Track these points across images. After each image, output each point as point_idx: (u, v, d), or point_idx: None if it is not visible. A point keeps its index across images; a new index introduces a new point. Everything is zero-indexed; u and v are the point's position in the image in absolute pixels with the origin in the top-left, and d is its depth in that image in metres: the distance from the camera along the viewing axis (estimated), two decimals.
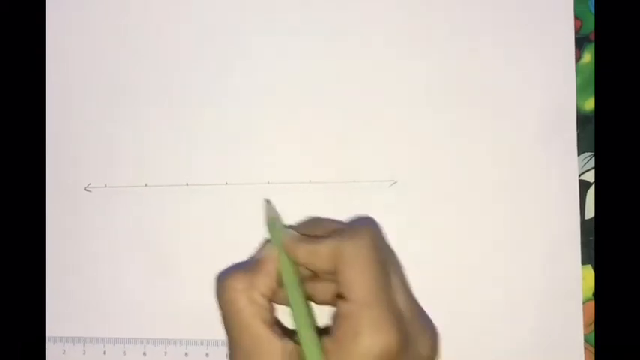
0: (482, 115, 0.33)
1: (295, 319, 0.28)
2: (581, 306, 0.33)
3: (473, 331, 0.33)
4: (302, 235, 0.30)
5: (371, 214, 0.33)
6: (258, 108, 0.34)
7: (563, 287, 0.33)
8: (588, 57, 0.33)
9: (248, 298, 0.28)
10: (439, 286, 0.33)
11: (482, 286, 0.33)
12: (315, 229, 0.30)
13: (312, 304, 0.30)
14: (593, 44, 0.33)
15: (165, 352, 0.34)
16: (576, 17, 0.33)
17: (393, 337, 0.26)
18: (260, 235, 0.33)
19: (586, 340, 0.33)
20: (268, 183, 0.34)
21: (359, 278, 0.27)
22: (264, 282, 0.28)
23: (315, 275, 0.30)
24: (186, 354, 0.34)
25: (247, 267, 0.29)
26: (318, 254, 0.28)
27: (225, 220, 0.34)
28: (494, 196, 0.33)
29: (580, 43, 0.33)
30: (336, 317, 0.27)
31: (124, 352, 0.34)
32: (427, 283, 0.33)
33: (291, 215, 0.33)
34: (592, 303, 0.33)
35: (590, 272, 0.33)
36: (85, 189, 0.35)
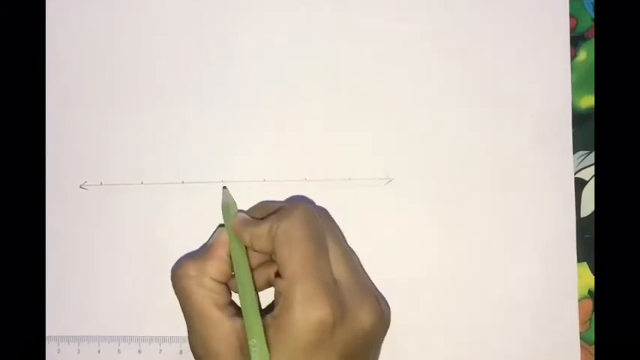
0: (477, 113, 0.34)
1: (240, 298, 0.29)
2: (577, 304, 0.33)
3: (469, 329, 0.33)
4: (249, 217, 0.31)
5: (367, 212, 0.33)
6: (254, 106, 0.34)
7: (559, 285, 0.33)
8: (584, 55, 0.34)
9: (198, 283, 0.29)
10: (434, 284, 0.33)
11: (479, 283, 0.33)
12: (263, 212, 0.31)
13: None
14: (588, 42, 0.34)
15: (160, 350, 0.34)
16: (571, 15, 0.34)
17: (326, 308, 0.27)
18: None
19: (582, 338, 0.33)
20: (264, 180, 0.34)
21: (290, 255, 0.28)
22: (214, 266, 0.30)
23: (269, 259, 0.31)
24: (180, 352, 0.34)
25: (199, 254, 0.31)
26: (259, 236, 0.29)
27: (221, 217, 0.34)
28: (490, 194, 0.33)
29: (575, 41, 0.34)
30: (275, 295, 0.29)
31: (119, 350, 0.34)
32: (422, 281, 0.33)
33: None
34: (588, 301, 0.33)
35: (586, 270, 0.33)
36: (81, 186, 0.35)
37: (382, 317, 0.29)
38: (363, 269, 0.32)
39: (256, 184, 0.34)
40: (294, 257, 0.28)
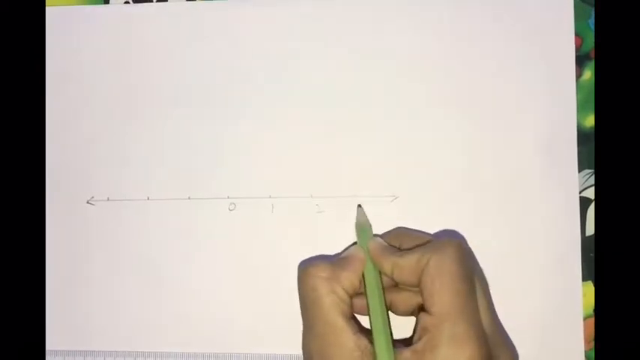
0: (483, 131, 0.34)
1: (372, 323, 0.28)
2: (582, 322, 0.33)
3: None
4: (388, 245, 0.30)
5: (372, 229, 0.33)
6: (260, 123, 0.34)
7: (564, 304, 0.33)
8: (589, 74, 0.34)
9: (329, 287, 0.28)
10: None
11: None
12: (401, 240, 0.30)
13: (392, 314, 0.30)
14: (593, 62, 0.34)
15: None
16: (577, 35, 0.34)
17: (474, 352, 0.26)
18: (266, 249, 0.34)
19: (587, 356, 0.33)
20: (270, 197, 0.34)
21: (442, 291, 0.27)
22: (347, 277, 0.29)
23: (397, 285, 0.30)
24: None
25: (333, 260, 0.30)
26: (403, 267, 0.28)
27: (227, 233, 0.34)
28: (495, 212, 0.33)
29: (580, 61, 0.34)
30: (417, 329, 0.28)
31: None
32: None
33: (292, 230, 0.34)
34: (593, 320, 0.33)
35: (590, 289, 0.33)
36: (88, 202, 0.35)
37: None
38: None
39: (262, 200, 0.34)
40: (445, 294, 0.27)
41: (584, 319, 0.33)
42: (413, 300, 0.29)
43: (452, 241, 0.28)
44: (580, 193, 0.33)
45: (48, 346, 0.34)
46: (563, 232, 0.33)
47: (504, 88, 0.34)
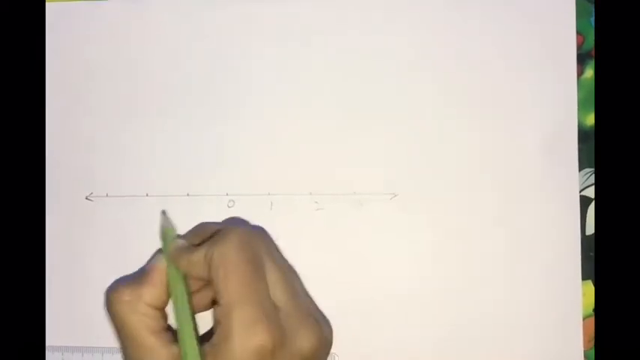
0: (483, 129, 0.33)
1: (178, 326, 0.29)
2: (581, 322, 0.33)
3: (472, 346, 0.33)
4: (187, 244, 0.30)
5: (371, 227, 0.33)
6: (260, 120, 0.34)
7: (563, 303, 0.33)
8: (590, 72, 0.33)
9: (132, 308, 0.29)
10: (439, 300, 0.33)
11: (482, 301, 0.33)
12: (202, 236, 0.31)
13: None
14: (594, 60, 0.33)
15: None
16: (578, 33, 0.34)
17: (264, 335, 0.26)
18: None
19: (586, 356, 0.32)
20: (269, 194, 0.34)
21: (226, 280, 0.27)
22: (149, 292, 0.29)
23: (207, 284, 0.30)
24: None
25: (134, 279, 0.30)
26: (195, 264, 0.29)
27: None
28: (495, 210, 0.33)
29: (582, 59, 0.34)
30: (213, 323, 0.28)
31: None
32: (426, 297, 0.33)
33: (291, 228, 0.34)
34: (592, 319, 0.33)
35: (590, 288, 0.33)
36: (87, 198, 0.35)
37: (322, 341, 0.29)
38: (305, 291, 0.31)
39: (261, 197, 0.34)
40: (230, 283, 0.27)
41: (584, 318, 0.33)
42: (211, 295, 0.30)
43: (233, 229, 0.29)
44: (580, 192, 0.33)
45: (47, 342, 0.34)
46: (563, 230, 0.33)
47: (505, 86, 0.34)
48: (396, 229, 0.33)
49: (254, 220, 0.34)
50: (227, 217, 0.34)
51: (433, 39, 0.34)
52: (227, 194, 0.34)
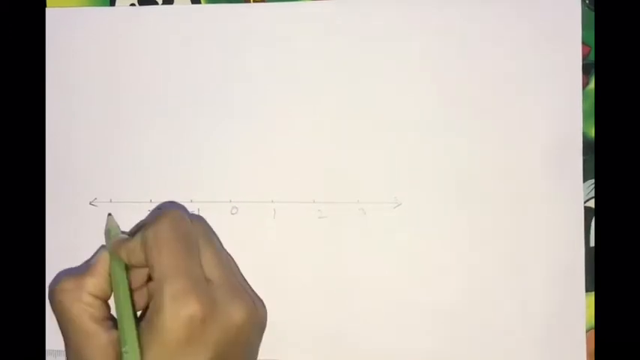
0: (487, 139, 0.33)
1: (117, 311, 0.30)
2: (584, 333, 0.32)
3: (474, 357, 0.33)
4: (126, 237, 0.32)
5: (375, 236, 0.33)
6: (264, 127, 0.34)
7: (567, 315, 0.32)
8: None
9: (75, 297, 0.30)
10: (441, 310, 0.33)
11: (485, 312, 0.33)
12: (138, 227, 0.32)
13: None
14: None
15: None
16: (584, 43, 0.34)
17: (194, 305, 0.27)
18: (267, 254, 0.34)
19: None
20: (272, 202, 0.34)
21: (159, 256, 0.28)
22: (92, 282, 0.30)
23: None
24: None
25: (77, 271, 0.31)
26: (133, 250, 0.30)
27: (229, 237, 0.34)
28: (498, 221, 0.33)
29: (587, 70, 0.34)
30: (147, 299, 0.30)
31: None
32: (429, 306, 0.33)
33: (294, 236, 0.33)
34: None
35: (594, 300, 0.33)
36: (91, 203, 0.35)
37: (254, 313, 0.29)
38: (241, 273, 0.33)
39: (264, 205, 0.34)
40: (162, 258, 0.28)
41: (587, 330, 0.32)
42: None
43: (165, 211, 0.30)
44: (584, 203, 0.33)
45: (47, 346, 0.34)
46: (567, 242, 0.33)
47: (510, 96, 0.34)
48: (399, 238, 0.33)
49: (257, 228, 0.34)
50: (230, 224, 0.34)
51: (439, 50, 0.34)
52: (230, 201, 0.34)
